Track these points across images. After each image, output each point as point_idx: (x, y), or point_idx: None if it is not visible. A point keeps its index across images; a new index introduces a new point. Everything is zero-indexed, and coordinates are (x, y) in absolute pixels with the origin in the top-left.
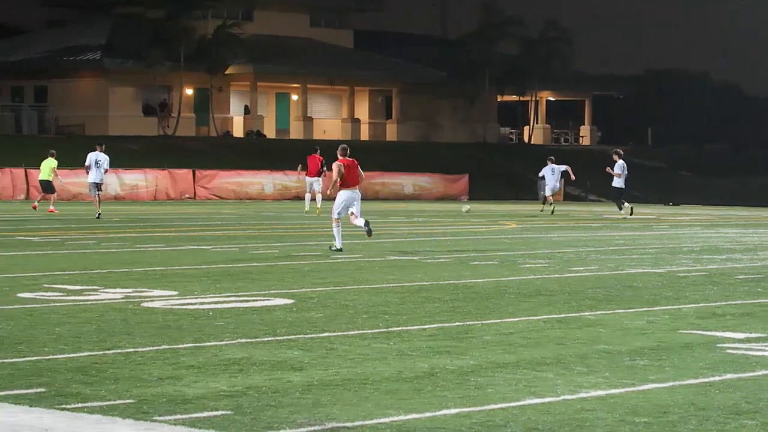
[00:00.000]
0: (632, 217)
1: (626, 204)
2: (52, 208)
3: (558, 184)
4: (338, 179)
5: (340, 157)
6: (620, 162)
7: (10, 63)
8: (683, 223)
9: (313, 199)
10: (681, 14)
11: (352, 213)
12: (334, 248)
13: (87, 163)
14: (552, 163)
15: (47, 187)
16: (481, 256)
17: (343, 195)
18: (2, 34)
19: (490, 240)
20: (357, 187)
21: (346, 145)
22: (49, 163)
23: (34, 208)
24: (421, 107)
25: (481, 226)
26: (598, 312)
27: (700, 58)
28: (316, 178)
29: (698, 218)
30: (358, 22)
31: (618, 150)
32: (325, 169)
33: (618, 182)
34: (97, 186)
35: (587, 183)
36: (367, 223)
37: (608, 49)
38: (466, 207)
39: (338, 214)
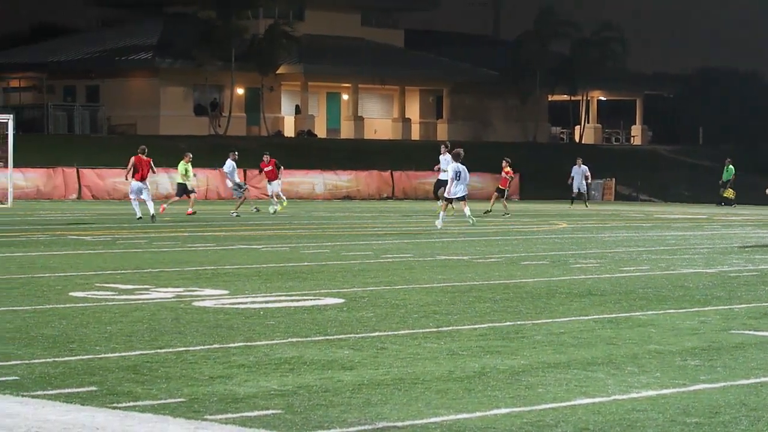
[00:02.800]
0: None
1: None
2: (190, 210)
3: (584, 183)
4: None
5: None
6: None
7: (62, 63)
8: (735, 222)
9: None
10: (731, 13)
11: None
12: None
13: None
14: (581, 164)
15: (183, 189)
16: (532, 256)
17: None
18: (55, 33)
19: (540, 240)
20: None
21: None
22: (184, 165)
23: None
24: (471, 107)
25: (532, 226)
26: (650, 312)
27: (750, 57)
28: (276, 180)
29: (750, 218)
30: (410, 22)
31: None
32: (282, 168)
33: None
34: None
35: (638, 183)
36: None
37: (659, 48)
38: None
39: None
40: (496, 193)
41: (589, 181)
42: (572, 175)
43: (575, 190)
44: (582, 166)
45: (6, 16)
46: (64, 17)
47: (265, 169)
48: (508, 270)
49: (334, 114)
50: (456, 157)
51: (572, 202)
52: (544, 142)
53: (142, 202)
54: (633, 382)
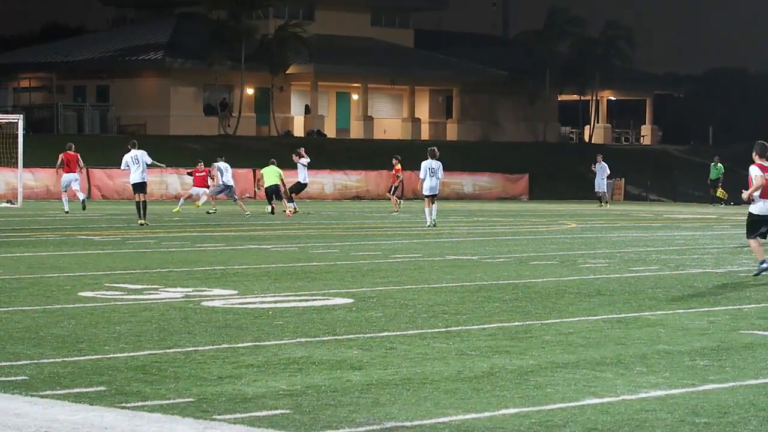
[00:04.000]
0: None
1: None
2: (288, 211)
3: (604, 182)
4: None
5: None
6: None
7: (73, 63)
8: (744, 223)
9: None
10: (741, 13)
11: None
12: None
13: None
14: (601, 160)
15: (275, 191)
16: (541, 256)
17: None
18: (65, 34)
19: (550, 240)
20: None
21: None
22: (275, 170)
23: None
24: (481, 107)
25: (541, 226)
26: (659, 312)
27: (760, 57)
28: (204, 189)
29: None
30: (419, 22)
31: None
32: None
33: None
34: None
35: (647, 182)
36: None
37: (670, 48)
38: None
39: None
40: (388, 193)
41: (607, 176)
42: (596, 171)
43: (597, 190)
44: (602, 163)
45: (16, 16)
46: (74, 17)
47: (197, 175)
48: (517, 270)
49: (344, 114)
50: (432, 155)
51: (601, 203)
52: (554, 142)
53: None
54: (642, 382)
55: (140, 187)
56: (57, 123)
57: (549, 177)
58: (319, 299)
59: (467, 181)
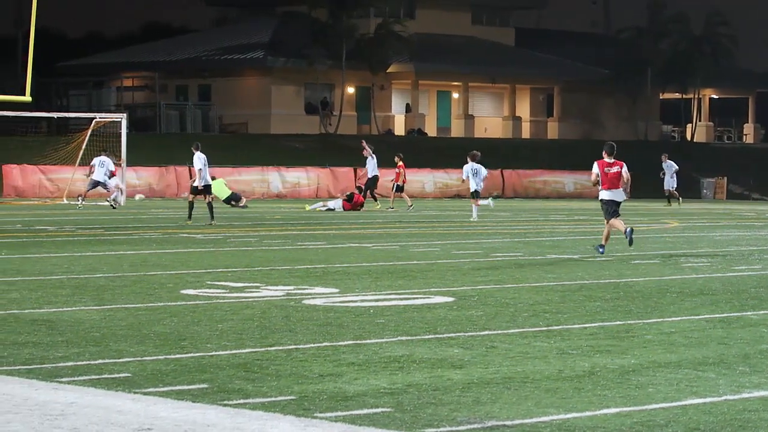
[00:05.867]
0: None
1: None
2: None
3: (673, 180)
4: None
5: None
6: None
7: (175, 62)
8: None
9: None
10: None
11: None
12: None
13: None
14: (667, 159)
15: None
16: (643, 255)
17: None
18: (167, 33)
19: (651, 238)
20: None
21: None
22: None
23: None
24: (582, 105)
25: (643, 225)
26: (762, 312)
27: None
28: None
29: None
30: (520, 20)
31: None
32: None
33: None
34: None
35: (750, 181)
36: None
37: None
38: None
39: None
40: (394, 191)
41: (675, 172)
42: (664, 170)
43: (667, 188)
44: (668, 161)
45: (117, 16)
46: (176, 17)
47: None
48: (619, 269)
49: (445, 112)
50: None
51: (669, 202)
52: (655, 140)
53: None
54: (744, 382)
55: (209, 189)
56: (159, 122)
57: (651, 176)
58: (420, 298)
59: (568, 180)
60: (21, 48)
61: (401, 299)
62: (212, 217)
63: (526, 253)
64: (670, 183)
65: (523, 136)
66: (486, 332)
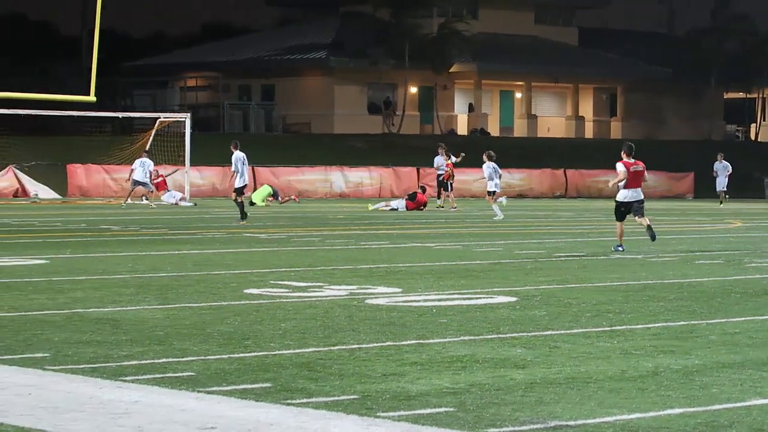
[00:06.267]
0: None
1: None
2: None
3: (725, 180)
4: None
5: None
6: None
7: (238, 62)
8: None
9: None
10: None
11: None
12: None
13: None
14: (722, 159)
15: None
16: (706, 255)
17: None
18: (229, 33)
19: (715, 239)
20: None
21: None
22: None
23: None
24: (645, 105)
25: (707, 225)
26: None
27: None
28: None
29: None
30: (583, 19)
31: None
32: None
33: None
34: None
35: None
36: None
37: None
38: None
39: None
40: (442, 191)
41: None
42: (715, 170)
43: (719, 189)
44: (723, 161)
45: (181, 16)
46: (237, 17)
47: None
48: (682, 269)
49: (508, 112)
50: (489, 158)
51: (721, 202)
52: (719, 140)
53: None
54: None
55: (242, 190)
56: (223, 122)
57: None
58: (483, 297)
59: None
60: (86, 48)
61: (464, 299)
62: (242, 217)
63: (589, 253)
64: (722, 183)
65: (586, 136)
66: (549, 332)
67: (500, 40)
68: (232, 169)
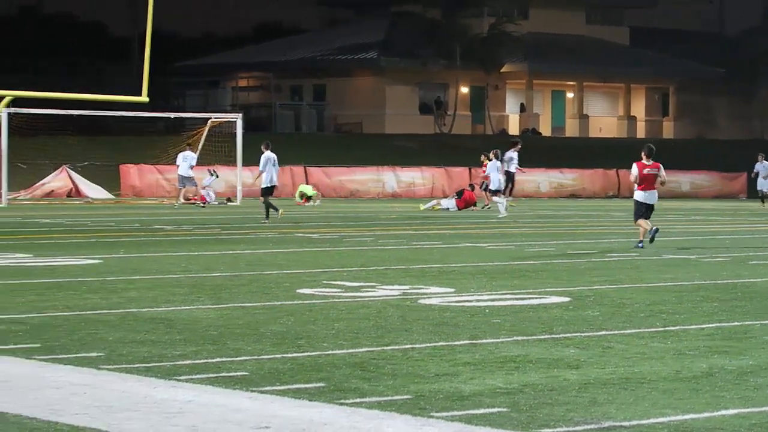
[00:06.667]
0: None
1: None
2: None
3: (766, 182)
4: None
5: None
6: None
7: (289, 62)
8: None
9: None
10: None
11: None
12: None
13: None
14: (763, 159)
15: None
16: (760, 256)
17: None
18: (280, 33)
19: None
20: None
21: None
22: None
23: None
24: (697, 104)
25: (760, 225)
26: None
27: None
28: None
29: None
30: (634, 19)
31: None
32: None
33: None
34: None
35: None
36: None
37: None
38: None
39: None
40: (484, 192)
41: None
42: (756, 170)
43: (760, 189)
44: (764, 161)
45: (231, 16)
46: (287, 17)
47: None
48: (736, 269)
49: (559, 112)
50: (496, 157)
51: (763, 202)
52: None
53: None
54: None
55: (270, 190)
56: (274, 122)
57: None
58: (536, 297)
59: (684, 180)
60: (138, 49)
61: (517, 299)
62: (267, 216)
63: (642, 253)
64: (763, 184)
65: (638, 136)
66: (602, 332)
67: (551, 39)
68: (260, 168)
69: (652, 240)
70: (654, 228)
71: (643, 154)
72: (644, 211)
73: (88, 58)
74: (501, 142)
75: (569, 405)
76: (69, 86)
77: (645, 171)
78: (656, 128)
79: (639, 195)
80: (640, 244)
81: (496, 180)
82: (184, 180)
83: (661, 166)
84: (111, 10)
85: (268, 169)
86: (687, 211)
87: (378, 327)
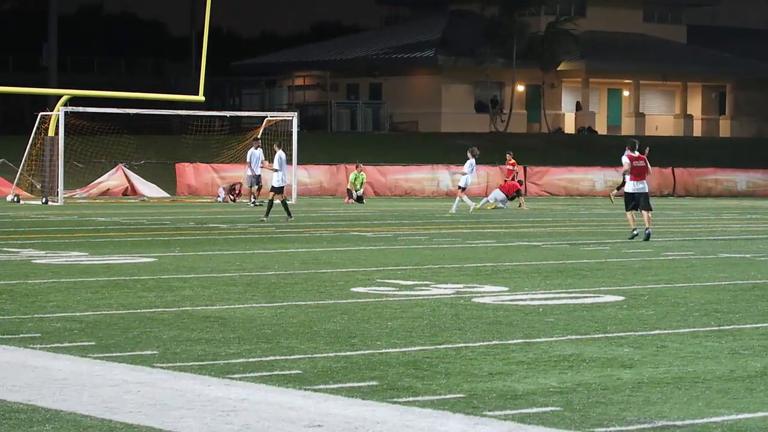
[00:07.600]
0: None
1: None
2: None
3: None
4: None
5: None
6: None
7: (346, 61)
8: None
9: None
10: None
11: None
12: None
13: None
14: None
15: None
16: None
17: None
18: (338, 32)
19: None
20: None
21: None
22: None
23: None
24: (755, 103)
25: None
26: None
27: None
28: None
29: None
30: (692, 17)
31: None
32: None
33: None
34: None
35: None
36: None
37: None
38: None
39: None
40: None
41: None
42: None
43: None
44: None
45: (290, 15)
46: (345, 16)
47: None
48: None
49: (615, 110)
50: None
51: None
52: None
53: None
54: None
55: (281, 190)
56: (330, 121)
57: None
58: (590, 296)
59: (740, 179)
60: (195, 48)
61: (571, 298)
62: (289, 215)
63: (698, 252)
64: None
65: (694, 134)
66: (656, 332)
67: (608, 38)
68: (275, 166)
69: (647, 238)
70: (647, 231)
71: (628, 148)
72: (637, 201)
73: (148, 56)
74: (557, 141)
75: (623, 404)
76: (128, 85)
77: (634, 163)
78: (713, 126)
79: (630, 186)
80: (635, 232)
81: (468, 179)
82: (255, 178)
83: (646, 158)
84: (171, 10)
85: (283, 168)
86: (744, 210)
87: (431, 326)
